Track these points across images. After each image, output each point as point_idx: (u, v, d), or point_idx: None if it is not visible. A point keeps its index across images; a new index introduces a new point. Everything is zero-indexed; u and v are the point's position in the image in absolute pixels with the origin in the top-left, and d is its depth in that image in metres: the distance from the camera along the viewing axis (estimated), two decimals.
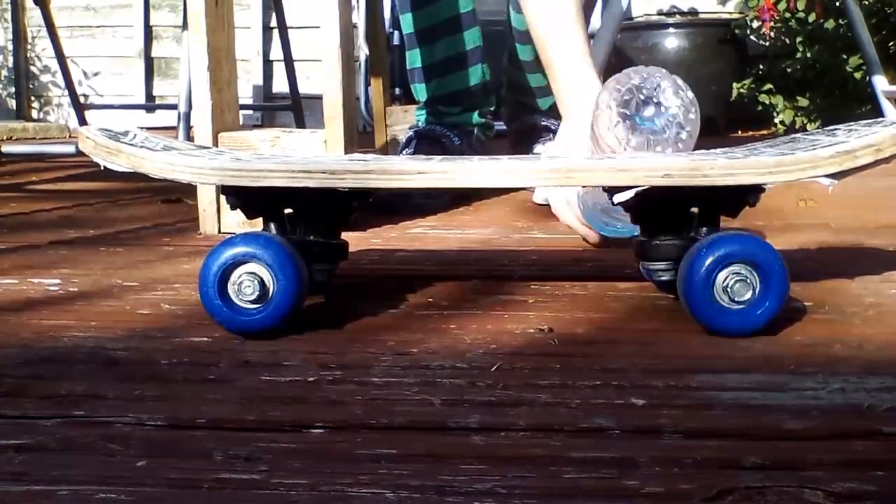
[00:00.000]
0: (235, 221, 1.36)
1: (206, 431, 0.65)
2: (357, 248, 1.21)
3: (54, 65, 3.80)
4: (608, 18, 1.61)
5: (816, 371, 0.75)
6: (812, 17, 3.19)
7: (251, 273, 0.85)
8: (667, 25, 3.48)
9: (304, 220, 0.93)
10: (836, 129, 0.98)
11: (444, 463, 0.59)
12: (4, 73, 4.13)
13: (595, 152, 1.02)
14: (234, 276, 0.85)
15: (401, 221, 1.48)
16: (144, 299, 1.01)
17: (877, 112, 2.15)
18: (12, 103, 3.98)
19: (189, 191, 1.53)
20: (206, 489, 0.56)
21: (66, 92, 2.62)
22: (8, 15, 3.67)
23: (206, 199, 1.38)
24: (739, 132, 3.45)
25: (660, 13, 3.68)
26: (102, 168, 0.90)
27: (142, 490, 0.56)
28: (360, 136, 1.50)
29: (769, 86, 3.42)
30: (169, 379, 0.76)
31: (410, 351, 0.82)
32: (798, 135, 1.02)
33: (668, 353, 0.81)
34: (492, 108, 1.84)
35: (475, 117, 1.78)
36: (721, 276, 0.83)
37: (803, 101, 3.26)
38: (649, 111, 0.95)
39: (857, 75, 3.05)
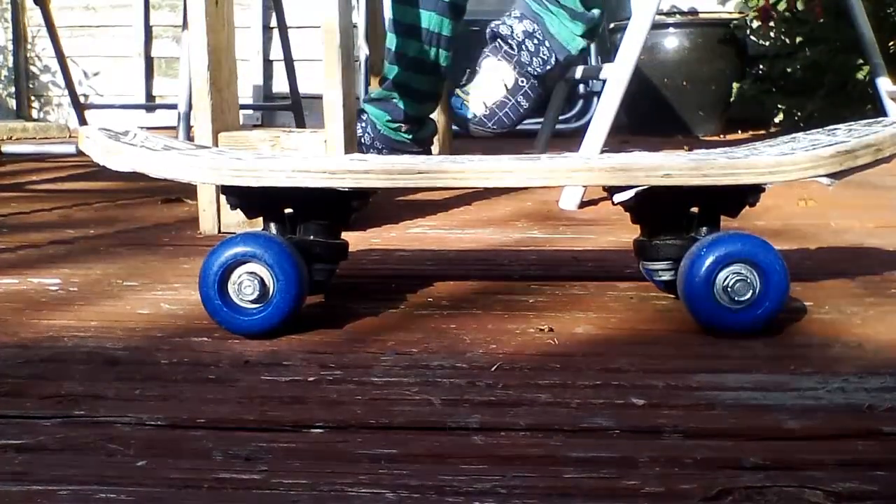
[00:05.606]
0: (235, 221, 1.36)
1: (206, 431, 0.65)
2: (357, 248, 1.21)
3: (54, 65, 3.79)
4: (639, 13, 1.54)
5: (816, 371, 0.75)
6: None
7: (251, 273, 0.85)
8: (667, 25, 3.48)
9: (304, 219, 0.93)
10: (836, 129, 0.98)
11: (444, 463, 0.59)
12: (4, 73, 4.13)
13: None
14: (234, 276, 0.85)
15: (401, 221, 1.48)
16: (144, 299, 1.01)
17: (878, 112, 2.15)
18: (12, 103, 3.97)
19: (189, 191, 1.53)
20: (205, 489, 0.56)
21: (66, 92, 2.61)
22: (8, 15, 3.66)
23: (206, 199, 1.38)
24: (739, 132, 3.45)
25: (660, 13, 3.67)
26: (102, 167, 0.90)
27: (142, 490, 0.56)
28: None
29: (769, 86, 3.41)
30: (169, 379, 0.76)
31: (410, 351, 0.82)
32: (798, 135, 1.02)
33: (668, 353, 0.81)
34: (392, 116, 1.71)
35: (371, 109, 1.70)
36: (721, 275, 0.83)
37: (803, 101, 3.26)
38: None
39: (859, 75, 3.05)
